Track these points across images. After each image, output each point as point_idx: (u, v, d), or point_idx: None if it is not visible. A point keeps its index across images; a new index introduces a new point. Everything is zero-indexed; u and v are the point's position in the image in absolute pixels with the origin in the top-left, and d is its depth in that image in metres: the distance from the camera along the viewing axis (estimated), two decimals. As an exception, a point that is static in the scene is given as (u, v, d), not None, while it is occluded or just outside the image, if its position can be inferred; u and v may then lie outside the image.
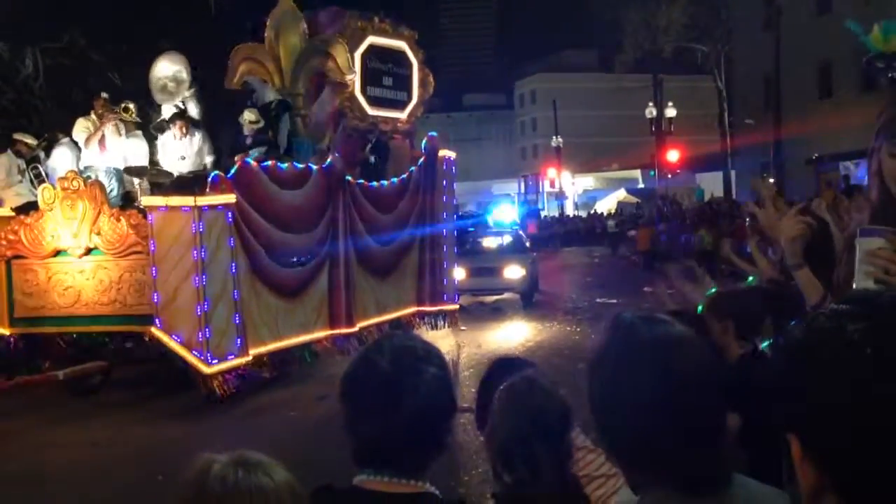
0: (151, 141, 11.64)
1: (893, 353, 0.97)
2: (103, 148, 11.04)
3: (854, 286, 2.05)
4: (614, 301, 18.07)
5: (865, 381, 0.96)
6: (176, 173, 10.98)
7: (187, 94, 11.78)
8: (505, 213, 25.97)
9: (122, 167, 11.12)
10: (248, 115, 11.43)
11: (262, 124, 11.44)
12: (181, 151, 11.12)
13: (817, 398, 1.00)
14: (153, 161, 11.43)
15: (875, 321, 1.00)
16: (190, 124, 11.27)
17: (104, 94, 11.46)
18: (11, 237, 10.12)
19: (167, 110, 11.74)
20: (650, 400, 1.40)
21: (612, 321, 1.52)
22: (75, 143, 11.20)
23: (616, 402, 1.45)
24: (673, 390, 1.41)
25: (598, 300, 18.82)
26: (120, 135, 11.26)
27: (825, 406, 0.99)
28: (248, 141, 11.35)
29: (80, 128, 11.11)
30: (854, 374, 0.97)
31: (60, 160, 11.10)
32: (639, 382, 1.42)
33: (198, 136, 11.25)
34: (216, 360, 9.39)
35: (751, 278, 3.59)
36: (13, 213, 10.43)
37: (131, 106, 11.36)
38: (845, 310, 1.03)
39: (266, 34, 12.64)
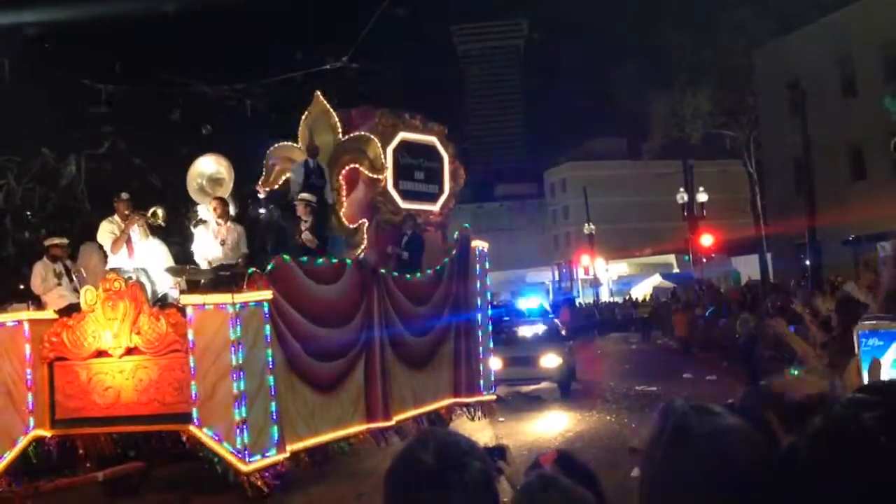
0: (188, 240, 11.83)
1: None
2: (131, 251, 11.12)
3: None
4: (654, 388, 17.79)
5: (882, 466, 0.97)
6: (214, 258, 11.10)
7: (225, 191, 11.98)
8: (532, 302, 25.66)
9: (149, 267, 11.25)
10: (305, 196, 11.52)
11: (314, 203, 11.55)
12: (219, 237, 11.24)
13: (836, 484, 1.01)
14: (186, 259, 11.59)
15: (889, 409, 1.02)
16: (226, 207, 11.43)
17: (124, 195, 11.45)
18: (54, 339, 10.27)
19: (203, 210, 11.96)
20: (700, 493, 1.40)
21: (664, 410, 1.52)
22: (100, 245, 11.36)
23: (666, 494, 1.44)
24: (723, 485, 1.40)
25: (637, 388, 18.54)
26: (147, 236, 11.35)
27: (844, 491, 1.00)
28: (304, 225, 11.43)
29: (105, 231, 11.20)
30: (870, 460, 0.98)
31: (87, 261, 11.28)
32: (690, 475, 1.41)
33: (236, 226, 11.43)
34: (254, 458, 9.34)
35: (795, 371, 3.53)
36: (56, 316, 10.59)
37: (160, 211, 11.51)
38: (861, 399, 1.06)
39: (300, 133, 12.99)
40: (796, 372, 3.34)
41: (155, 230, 11.54)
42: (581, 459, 2.41)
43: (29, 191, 18.67)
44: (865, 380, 2.17)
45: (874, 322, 2.37)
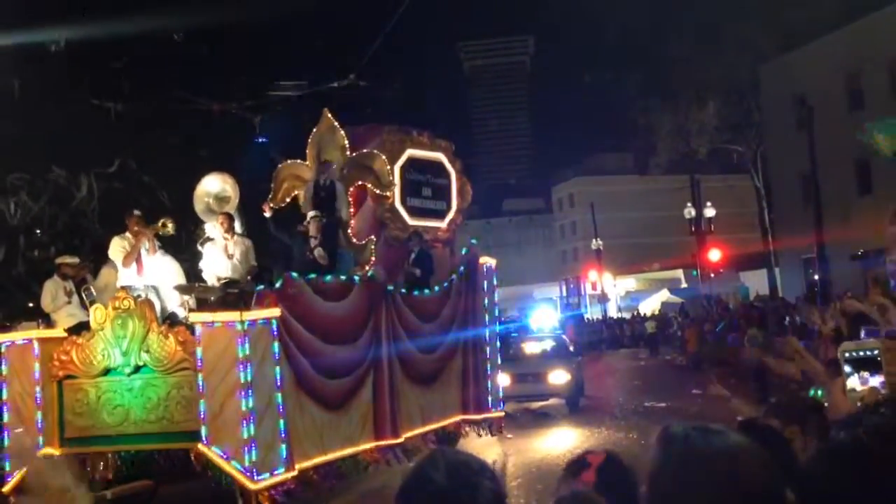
0: (196, 257, 11.87)
1: None
2: (140, 267, 11.14)
3: None
4: (663, 405, 17.73)
5: (877, 478, 1.03)
6: (223, 274, 11.11)
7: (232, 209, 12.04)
8: (545, 317, 25.56)
9: (159, 285, 11.27)
10: (316, 213, 11.57)
11: (324, 220, 11.57)
12: (227, 251, 11.27)
13: (838, 494, 1.08)
14: (195, 276, 11.62)
15: (886, 425, 1.08)
16: (233, 222, 11.47)
17: (136, 212, 11.52)
18: (63, 357, 10.28)
19: (210, 228, 12.01)
20: None
21: (664, 434, 1.51)
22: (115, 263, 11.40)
23: None
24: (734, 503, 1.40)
25: (646, 404, 18.47)
26: (155, 251, 11.39)
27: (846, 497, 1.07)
28: (314, 242, 11.47)
29: (117, 247, 11.22)
30: (867, 472, 1.04)
31: (106, 280, 11.32)
32: (699, 497, 1.41)
33: (243, 239, 11.46)
34: (262, 476, 9.32)
35: (820, 392, 3.53)
36: (65, 334, 10.61)
37: (169, 223, 11.56)
38: (860, 417, 1.13)
39: (308, 151, 13.03)
40: (820, 392, 3.35)
41: (166, 245, 11.58)
42: (626, 466, 2.37)
43: (40, 209, 18.78)
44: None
45: (856, 343, 2.41)
